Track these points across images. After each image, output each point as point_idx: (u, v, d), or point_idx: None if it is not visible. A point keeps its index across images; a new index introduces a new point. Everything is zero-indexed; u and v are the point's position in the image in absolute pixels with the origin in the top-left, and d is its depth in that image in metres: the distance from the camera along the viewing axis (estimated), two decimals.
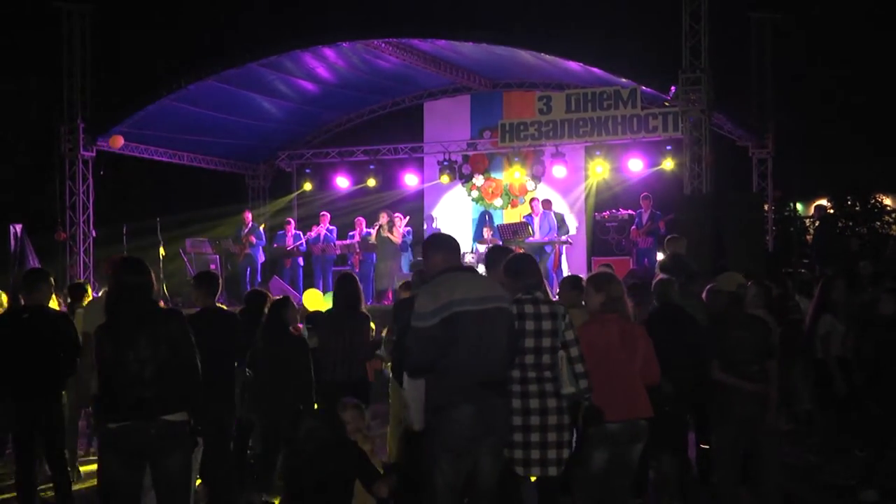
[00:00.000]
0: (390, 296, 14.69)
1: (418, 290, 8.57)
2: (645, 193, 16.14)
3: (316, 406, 7.67)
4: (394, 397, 7.96)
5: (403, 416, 6.09)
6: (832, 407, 8.19)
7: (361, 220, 16.65)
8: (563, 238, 15.92)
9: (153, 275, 5.17)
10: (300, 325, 8.36)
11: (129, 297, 4.99)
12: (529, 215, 16.25)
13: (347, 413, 5.64)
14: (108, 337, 4.96)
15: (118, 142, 16.47)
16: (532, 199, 16.70)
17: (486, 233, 17.51)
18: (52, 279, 6.98)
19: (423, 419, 5.14)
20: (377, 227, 15.48)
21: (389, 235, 15.56)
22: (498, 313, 4.95)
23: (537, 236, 15.79)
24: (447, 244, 5.20)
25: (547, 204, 16.39)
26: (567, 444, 5.25)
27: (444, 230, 17.45)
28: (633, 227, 16.05)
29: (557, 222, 15.98)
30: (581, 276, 8.74)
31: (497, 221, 17.89)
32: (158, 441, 4.87)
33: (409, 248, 16.35)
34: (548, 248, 15.66)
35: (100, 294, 9.52)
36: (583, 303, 6.91)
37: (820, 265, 14.87)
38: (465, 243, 16.89)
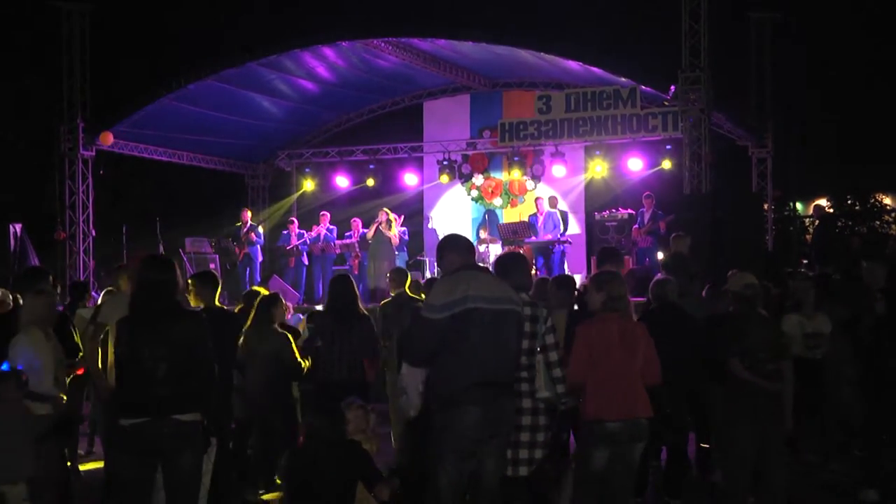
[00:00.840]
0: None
1: (398, 289, 8.72)
2: (647, 193, 16.07)
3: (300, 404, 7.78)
4: (393, 396, 7.97)
5: (401, 403, 6.08)
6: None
7: (358, 221, 16.59)
8: (563, 237, 15.88)
9: (179, 273, 5.18)
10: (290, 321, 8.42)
11: (150, 294, 5.02)
12: (534, 215, 16.21)
13: (351, 413, 5.63)
14: (126, 332, 4.99)
15: (108, 138, 16.47)
16: (537, 199, 16.62)
17: (482, 233, 17.48)
18: (51, 278, 6.98)
19: (420, 407, 5.17)
20: (376, 225, 15.36)
21: (390, 234, 15.45)
22: (510, 315, 4.98)
23: (541, 235, 15.76)
24: (462, 244, 5.26)
25: (553, 201, 16.34)
26: (541, 445, 5.29)
27: (443, 230, 17.45)
28: (636, 226, 16.01)
29: (562, 220, 15.94)
30: (570, 275, 8.76)
31: (497, 221, 17.87)
32: (170, 440, 4.88)
33: (405, 249, 16.31)
34: (555, 247, 15.63)
35: (102, 293, 9.53)
36: (574, 304, 6.94)
37: (820, 265, 14.88)
38: None
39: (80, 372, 7.02)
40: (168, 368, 4.87)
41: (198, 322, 5.13)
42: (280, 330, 7.74)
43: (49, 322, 6.33)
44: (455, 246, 5.23)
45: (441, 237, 5.77)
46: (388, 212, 15.59)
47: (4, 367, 6.00)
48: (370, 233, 15.48)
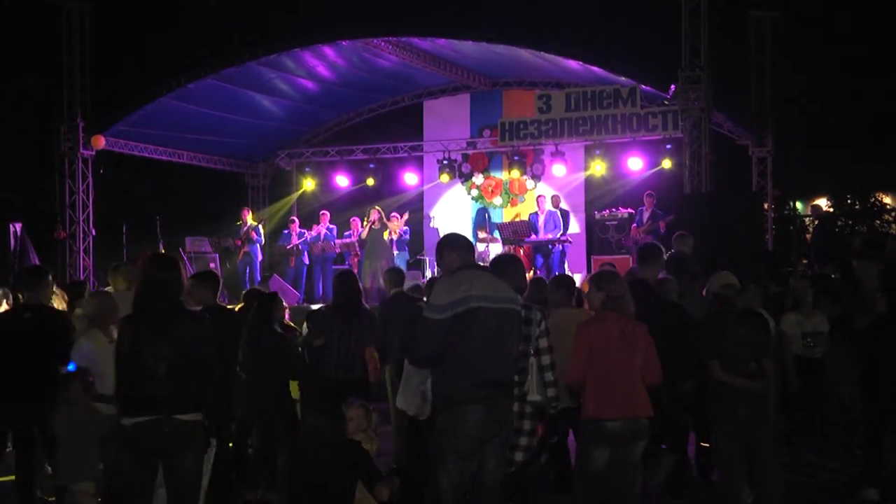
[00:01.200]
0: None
1: (395, 289, 8.68)
2: (649, 192, 16.02)
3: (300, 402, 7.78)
4: (393, 395, 7.97)
5: (397, 403, 6.09)
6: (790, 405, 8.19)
7: (357, 221, 16.58)
8: (563, 237, 15.86)
9: (183, 272, 5.18)
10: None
11: (155, 293, 5.01)
12: (536, 213, 16.20)
13: (352, 411, 5.62)
14: (128, 331, 4.99)
15: (100, 142, 16.49)
16: (539, 197, 16.57)
17: (480, 233, 17.46)
18: (51, 277, 6.97)
19: (423, 410, 5.16)
20: (370, 224, 15.31)
21: (390, 227, 15.35)
22: (511, 314, 4.98)
23: (542, 234, 15.73)
24: (461, 243, 5.25)
25: (555, 201, 16.33)
26: (521, 448, 5.28)
27: (444, 229, 17.45)
28: (634, 224, 16.00)
29: (563, 220, 15.93)
30: (568, 274, 8.73)
31: (496, 220, 17.86)
32: (172, 440, 4.88)
33: (406, 248, 16.30)
34: (555, 246, 15.61)
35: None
36: (572, 303, 6.94)
37: (819, 265, 14.87)
38: None
39: None
40: (169, 368, 4.87)
41: (201, 322, 5.13)
42: (279, 330, 7.75)
43: (109, 322, 6.33)
44: (455, 245, 5.21)
45: (441, 237, 5.76)
46: (380, 210, 15.58)
47: (71, 367, 6.07)
48: (364, 233, 15.47)
